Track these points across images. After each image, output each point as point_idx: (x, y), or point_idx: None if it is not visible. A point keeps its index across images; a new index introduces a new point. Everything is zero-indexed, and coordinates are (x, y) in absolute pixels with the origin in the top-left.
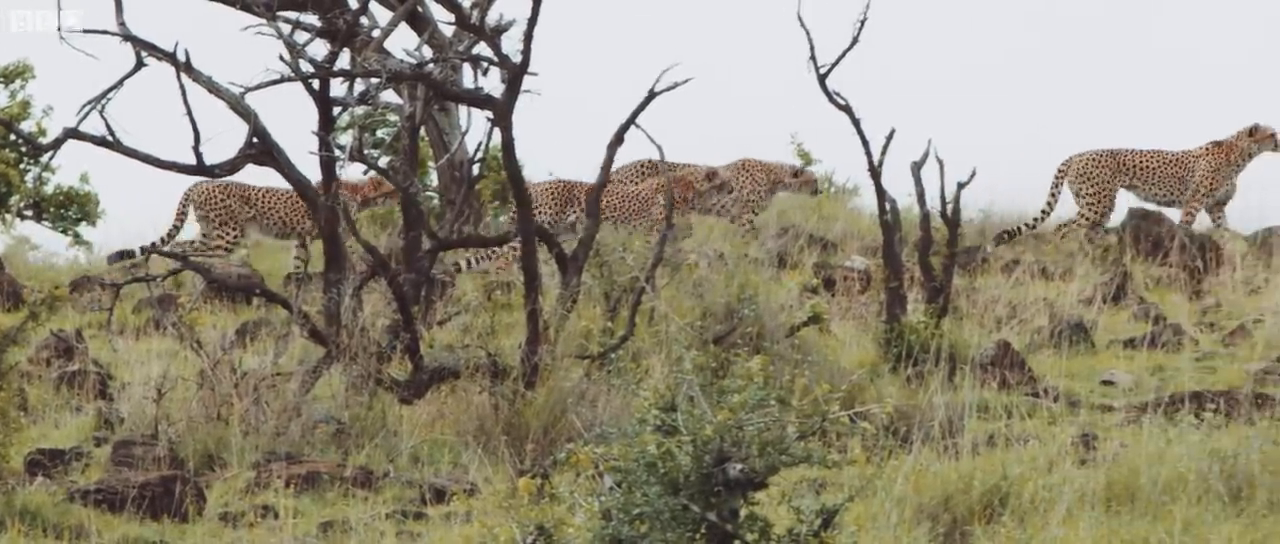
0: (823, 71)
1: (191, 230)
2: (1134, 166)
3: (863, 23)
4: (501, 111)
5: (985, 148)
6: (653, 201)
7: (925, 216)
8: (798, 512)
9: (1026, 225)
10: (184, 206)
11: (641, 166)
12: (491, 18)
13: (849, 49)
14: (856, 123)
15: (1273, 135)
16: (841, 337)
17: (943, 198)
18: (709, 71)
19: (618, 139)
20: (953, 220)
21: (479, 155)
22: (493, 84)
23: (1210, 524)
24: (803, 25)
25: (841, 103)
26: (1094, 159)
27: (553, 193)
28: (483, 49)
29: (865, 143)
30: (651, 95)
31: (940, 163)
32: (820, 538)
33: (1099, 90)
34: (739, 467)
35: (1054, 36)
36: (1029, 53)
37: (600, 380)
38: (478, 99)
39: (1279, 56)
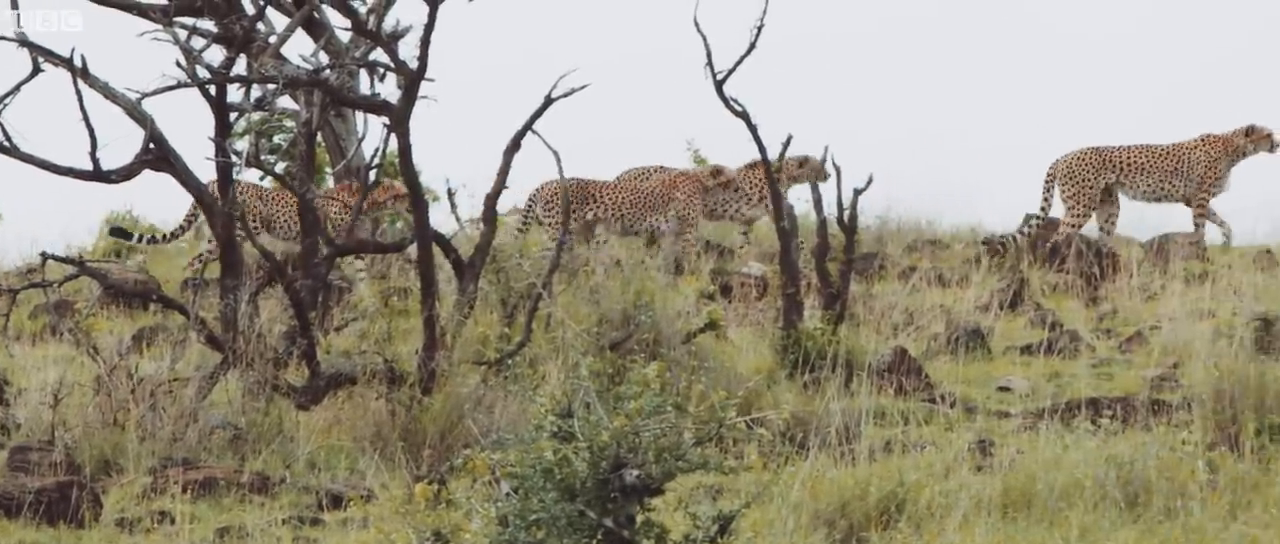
0: (720, 77)
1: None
2: (1122, 163)
3: (760, 29)
4: (398, 117)
5: (882, 154)
6: (669, 198)
7: (822, 223)
8: (694, 518)
9: (1020, 233)
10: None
11: (646, 171)
12: (388, 24)
13: (746, 55)
14: (753, 129)
15: (1269, 136)
16: (738, 343)
17: (840, 204)
18: (607, 77)
19: (514, 145)
20: (850, 227)
21: (376, 161)
22: (389, 90)
23: (1106, 530)
24: (699, 31)
25: (738, 109)
26: (1078, 158)
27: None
28: (379, 55)
29: (762, 149)
30: (549, 101)
31: (837, 169)
32: None
33: (999, 94)
34: (635, 473)
35: (955, 43)
36: (929, 60)
37: (497, 386)
38: (374, 105)
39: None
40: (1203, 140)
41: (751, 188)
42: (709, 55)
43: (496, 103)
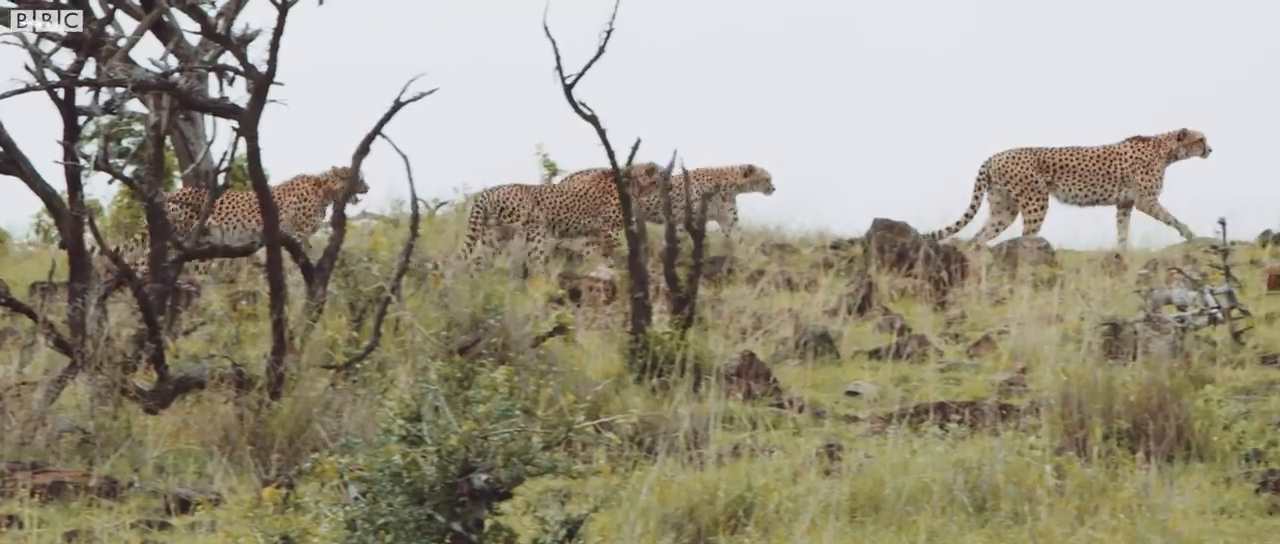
0: (569, 81)
1: None
2: (1055, 165)
3: (609, 33)
4: (247, 121)
5: (730, 159)
6: (604, 200)
7: (671, 227)
8: (543, 522)
9: (947, 229)
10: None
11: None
12: (237, 27)
13: (595, 59)
14: (602, 133)
15: (1202, 140)
16: (587, 347)
17: (688, 208)
18: (458, 81)
19: (363, 149)
20: (698, 231)
21: (225, 165)
22: (238, 94)
23: (954, 535)
24: (548, 35)
25: (587, 113)
26: (1015, 158)
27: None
28: (229, 59)
29: (611, 154)
30: (398, 105)
31: (686, 173)
32: None
33: (844, 101)
34: (484, 477)
35: (799, 52)
36: (775, 68)
37: (346, 390)
38: (223, 109)
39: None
40: (1133, 142)
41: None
42: (558, 59)
43: (346, 107)
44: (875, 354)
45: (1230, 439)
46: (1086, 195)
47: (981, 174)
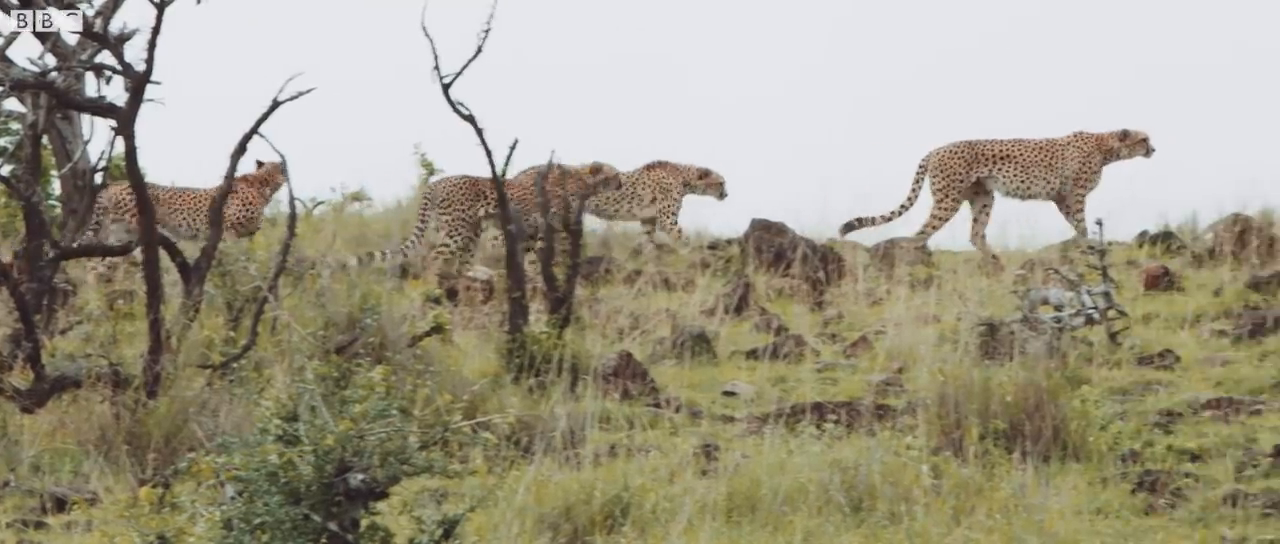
0: (446, 81)
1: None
2: (994, 156)
3: (487, 33)
4: (125, 120)
5: (609, 159)
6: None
7: (548, 227)
8: (419, 521)
9: (882, 217)
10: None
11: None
12: (115, 26)
13: (473, 59)
14: (480, 133)
15: (1145, 140)
16: (464, 347)
17: (566, 207)
18: (335, 80)
19: (240, 148)
20: (575, 231)
21: (102, 164)
22: (116, 92)
23: (831, 535)
24: (426, 34)
25: (465, 113)
26: (950, 152)
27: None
28: (106, 57)
29: (489, 153)
30: (276, 104)
31: (563, 173)
32: None
33: (718, 100)
34: (360, 476)
35: (679, 50)
36: (653, 67)
37: (222, 390)
38: (101, 107)
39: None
40: (1075, 137)
41: (644, 189)
42: (436, 59)
43: (224, 105)
44: (752, 354)
45: (1106, 439)
46: (1024, 188)
47: (921, 167)
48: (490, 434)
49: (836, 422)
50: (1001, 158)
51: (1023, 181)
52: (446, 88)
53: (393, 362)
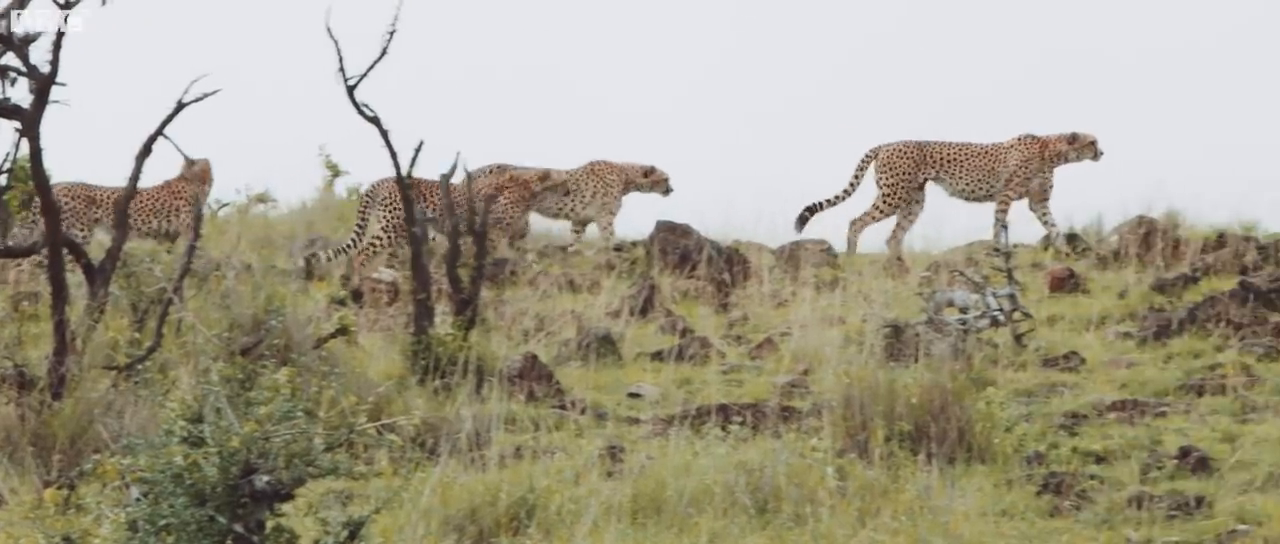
0: (351, 83)
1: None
2: (941, 158)
3: (392, 35)
4: (29, 122)
5: (513, 161)
6: (493, 200)
7: (454, 228)
8: (324, 523)
9: (826, 202)
10: None
11: (490, 170)
12: (19, 28)
13: (378, 61)
14: (385, 134)
15: (1093, 143)
16: (369, 348)
17: (472, 210)
18: (241, 82)
19: (145, 150)
20: (480, 233)
21: (6, 165)
22: (21, 94)
23: (736, 536)
24: (331, 36)
25: (370, 114)
26: (899, 150)
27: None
28: (10, 59)
29: (394, 155)
30: (180, 106)
31: (468, 175)
32: None
33: (621, 106)
34: (266, 478)
35: (583, 54)
36: (557, 72)
37: (128, 391)
38: (5, 109)
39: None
40: (1020, 140)
41: (587, 188)
42: (341, 61)
43: (130, 107)
44: (657, 356)
45: (1011, 441)
46: (972, 190)
47: (867, 157)
48: (395, 436)
49: (742, 423)
50: (948, 161)
51: (968, 184)
52: (351, 90)
53: (298, 363)
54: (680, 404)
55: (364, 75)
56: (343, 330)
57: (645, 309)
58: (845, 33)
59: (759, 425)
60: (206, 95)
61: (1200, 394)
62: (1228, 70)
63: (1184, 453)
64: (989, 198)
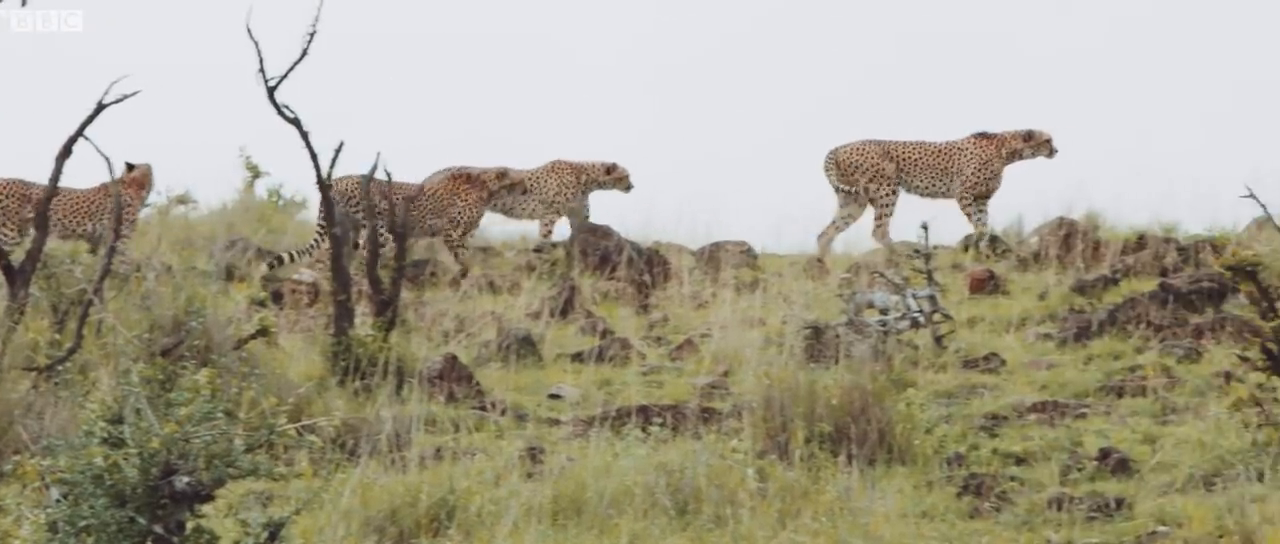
0: (272, 84)
1: None
2: (898, 157)
3: (313, 35)
4: None
5: (437, 162)
6: (450, 202)
7: (374, 230)
8: (244, 524)
9: (836, 227)
10: None
11: (452, 173)
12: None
13: (299, 61)
14: (305, 135)
15: (1048, 141)
16: (289, 350)
17: (391, 210)
18: (161, 83)
19: (65, 151)
20: (400, 233)
21: None
22: None
23: (656, 537)
24: (251, 37)
25: (290, 115)
26: (861, 149)
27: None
28: None
29: (314, 156)
30: (101, 107)
31: (388, 175)
32: None
33: (545, 104)
34: (186, 479)
35: (506, 53)
36: (478, 68)
37: (48, 392)
38: None
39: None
40: (975, 139)
41: (547, 186)
42: (261, 61)
43: (50, 108)
44: (578, 357)
45: (932, 443)
46: (929, 189)
47: (828, 162)
48: (316, 437)
49: (662, 424)
50: (906, 159)
51: (924, 182)
52: (271, 90)
53: (218, 364)
54: (600, 405)
55: (284, 76)
56: (263, 331)
57: (566, 310)
58: (727, 24)
59: (679, 427)
60: (126, 97)
61: (1120, 395)
62: (1149, 70)
63: (1104, 454)
64: (945, 196)
